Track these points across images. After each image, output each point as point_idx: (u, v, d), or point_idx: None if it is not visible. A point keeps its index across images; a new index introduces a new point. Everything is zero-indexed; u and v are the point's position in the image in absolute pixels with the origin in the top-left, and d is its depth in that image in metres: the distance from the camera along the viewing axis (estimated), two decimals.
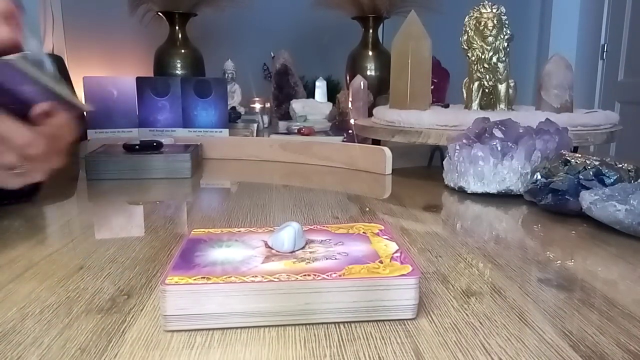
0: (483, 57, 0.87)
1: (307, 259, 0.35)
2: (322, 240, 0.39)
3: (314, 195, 0.69)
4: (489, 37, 0.85)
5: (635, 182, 0.55)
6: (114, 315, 0.33)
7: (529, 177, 0.62)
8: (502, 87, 0.89)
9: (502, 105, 0.90)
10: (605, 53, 2.71)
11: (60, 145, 0.46)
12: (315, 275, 0.32)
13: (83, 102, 0.49)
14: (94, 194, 0.72)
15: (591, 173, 0.56)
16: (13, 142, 0.43)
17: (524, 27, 2.86)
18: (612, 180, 0.55)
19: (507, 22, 0.86)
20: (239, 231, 0.41)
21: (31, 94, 0.43)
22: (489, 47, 0.86)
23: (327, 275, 0.32)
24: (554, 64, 0.88)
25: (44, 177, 0.48)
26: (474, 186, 0.66)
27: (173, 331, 0.31)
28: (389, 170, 0.82)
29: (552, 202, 0.57)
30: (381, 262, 0.34)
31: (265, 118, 1.58)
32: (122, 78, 0.99)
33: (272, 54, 1.86)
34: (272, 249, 0.37)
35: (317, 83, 1.73)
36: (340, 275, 0.32)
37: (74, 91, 0.49)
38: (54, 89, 0.44)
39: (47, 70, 0.45)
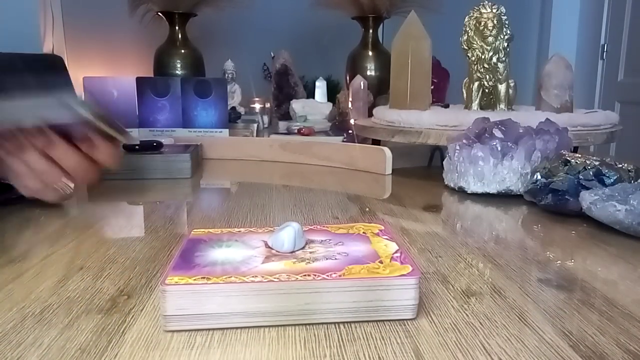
0: (483, 57, 0.87)
1: (307, 259, 0.35)
2: (322, 240, 0.39)
3: (314, 195, 0.69)
4: (489, 37, 0.85)
5: (635, 182, 0.55)
6: (114, 315, 0.33)
7: (529, 177, 0.62)
8: (502, 87, 0.89)
9: (502, 105, 0.90)
10: (605, 53, 2.72)
11: (97, 169, 0.56)
12: (315, 275, 0.32)
13: (124, 134, 0.58)
14: (94, 194, 0.72)
15: (591, 173, 0.56)
16: (64, 165, 0.53)
17: (524, 27, 2.86)
18: (612, 180, 0.55)
19: (507, 22, 0.86)
20: (239, 231, 0.41)
21: (78, 127, 0.54)
22: (489, 47, 0.86)
23: (327, 276, 0.32)
24: (554, 64, 0.88)
25: (73, 193, 0.56)
26: (474, 186, 0.66)
27: (173, 331, 0.31)
28: (389, 170, 0.82)
29: (552, 202, 0.57)
30: (381, 262, 0.34)
31: (265, 118, 1.58)
32: (122, 78, 0.99)
33: (272, 54, 1.86)
34: (272, 249, 0.37)
35: (317, 83, 1.73)
36: (340, 276, 0.32)
37: (115, 125, 0.57)
38: (100, 126, 0.54)
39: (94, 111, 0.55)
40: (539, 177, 0.59)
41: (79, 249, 0.47)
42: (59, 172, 0.54)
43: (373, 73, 1.80)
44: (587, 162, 0.57)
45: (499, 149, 0.65)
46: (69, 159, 0.53)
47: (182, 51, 1.85)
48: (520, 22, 2.82)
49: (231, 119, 1.33)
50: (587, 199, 0.52)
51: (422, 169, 0.92)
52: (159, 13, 1.83)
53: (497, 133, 0.66)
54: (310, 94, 1.74)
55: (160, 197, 0.70)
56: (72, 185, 0.55)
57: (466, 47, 0.88)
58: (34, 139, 0.52)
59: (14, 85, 0.50)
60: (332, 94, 1.59)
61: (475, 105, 0.91)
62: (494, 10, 0.85)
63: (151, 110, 1.00)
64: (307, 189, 0.74)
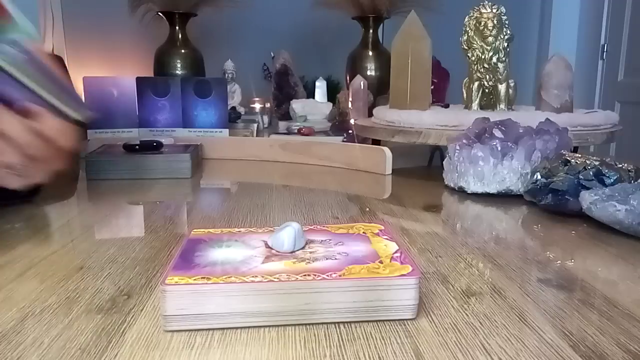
0: (483, 57, 0.87)
1: (307, 259, 0.35)
2: (322, 240, 0.39)
3: (314, 195, 0.69)
4: (489, 37, 0.85)
5: (635, 182, 0.55)
6: (114, 315, 0.33)
7: (529, 177, 0.62)
8: (502, 87, 0.89)
9: (502, 105, 0.90)
10: (605, 53, 2.71)
11: (61, 149, 0.47)
12: (315, 275, 0.32)
13: (81, 110, 0.50)
14: (94, 194, 0.72)
15: (591, 173, 0.56)
16: (14, 140, 0.45)
17: (524, 27, 2.86)
18: (612, 180, 0.55)
19: (507, 22, 0.86)
20: (239, 231, 0.41)
21: (18, 95, 0.45)
22: (489, 47, 0.86)
23: (327, 276, 0.32)
24: (554, 64, 0.88)
25: (44, 179, 0.49)
26: (474, 186, 0.66)
27: (173, 331, 0.31)
28: (389, 170, 0.82)
29: (552, 202, 0.57)
30: (381, 262, 0.34)
31: (265, 118, 1.58)
32: (122, 78, 0.99)
33: (272, 54, 1.86)
34: (272, 249, 0.37)
35: (317, 83, 1.73)
36: (340, 276, 0.32)
37: (74, 98, 0.49)
38: (42, 95, 0.46)
39: (42, 73, 0.46)
40: (539, 177, 0.59)
41: (79, 249, 0.47)
42: (12, 150, 0.45)
43: (373, 73, 1.80)
44: (587, 162, 0.57)
45: (499, 149, 0.65)
46: (20, 135, 0.44)
47: (182, 51, 1.85)
48: (520, 22, 2.82)
49: (231, 119, 1.33)
50: (587, 199, 0.52)
51: (422, 169, 0.92)
52: (159, 13, 1.83)
53: (497, 133, 0.66)
54: (310, 94, 1.74)
55: (160, 197, 0.70)
56: (31, 167, 0.46)
57: (466, 47, 0.88)
58: None
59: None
60: (332, 94, 1.59)
61: (475, 105, 0.91)
62: (494, 10, 0.85)
63: (151, 110, 0.99)
64: (307, 189, 0.74)
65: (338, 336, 0.31)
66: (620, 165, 0.57)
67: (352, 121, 1.09)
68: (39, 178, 0.49)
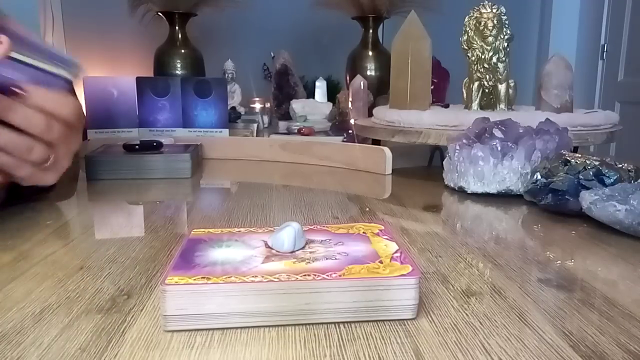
0: (483, 57, 0.87)
1: (307, 259, 0.35)
2: (322, 240, 0.39)
3: (314, 195, 0.69)
4: (489, 37, 0.85)
5: (635, 182, 0.55)
6: (114, 315, 0.33)
7: (529, 177, 0.62)
8: (502, 87, 0.89)
9: (502, 105, 0.90)
10: (605, 53, 2.72)
11: (68, 121, 0.46)
12: (315, 275, 0.32)
13: (72, 67, 0.47)
14: (94, 194, 0.72)
15: (591, 173, 0.56)
16: (31, 131, 0.44)
17: (524, 27, 2.86)
18: (612, 180, 0.55)
19: (507, 22, 0.86)
20: (239, 231, 0.41)
21: (10, 75, 0.43)
22: (489, 47, 0.86)
23: (327, 275, 0.32)
24: (554, 64, 0.88)
25: (70, 162, 0.48)
26: (474, 186, 0.66)
27: (173, 331, 0.31)
28: (389, 170, 0.82)
29: (552, 202, 0.57)
30: (381, 262, 0.34)
31: (265, 118, 1.58)
32: (122, 78, 0.99)
33: (272, 54, 1.86)
34: (272, 249, 0.37)
35: (317, 83, 1.73)
36: (340, 276, 0.32)
37: (59, 57, 0.46)
38: (33, 64, 0.43)
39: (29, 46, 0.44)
40: (539, 177, 0.59)
41: (79, 249, 0.47)
42: (38, 143, 0.43)
43: (373, 73, 1.80)
44: (587, 162, 0.57)
45: (499, 149, 0.65)
46: (35, 123, 0.42)
47: (182, 51, 1.85)
48: (520, 22, 2.82)
49: (231, 119, 1.33)
50: (587, 199, 0.52)
51: (422, 169, 0.92)
52: (159, 13, 1.83)
53: (497, 133, 0.66)
54: (310, 94, 1.74)
55: (160, 197, 0.70)
56: (56, 155, 0.44)
57: (466, 47, 0.88)
58: None
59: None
60: (332, 94, 1.59)
61: (475, 105, 0.91)
62: (494, 10, 0.85)
63: (151, 110, 0.99)
64: (307, 189, 0.74)
65: (338, 336, 0.31)
66: (620, 165, 0.57)
67: (352, 121, 1.09)
68: (66, 162, 0.48)
